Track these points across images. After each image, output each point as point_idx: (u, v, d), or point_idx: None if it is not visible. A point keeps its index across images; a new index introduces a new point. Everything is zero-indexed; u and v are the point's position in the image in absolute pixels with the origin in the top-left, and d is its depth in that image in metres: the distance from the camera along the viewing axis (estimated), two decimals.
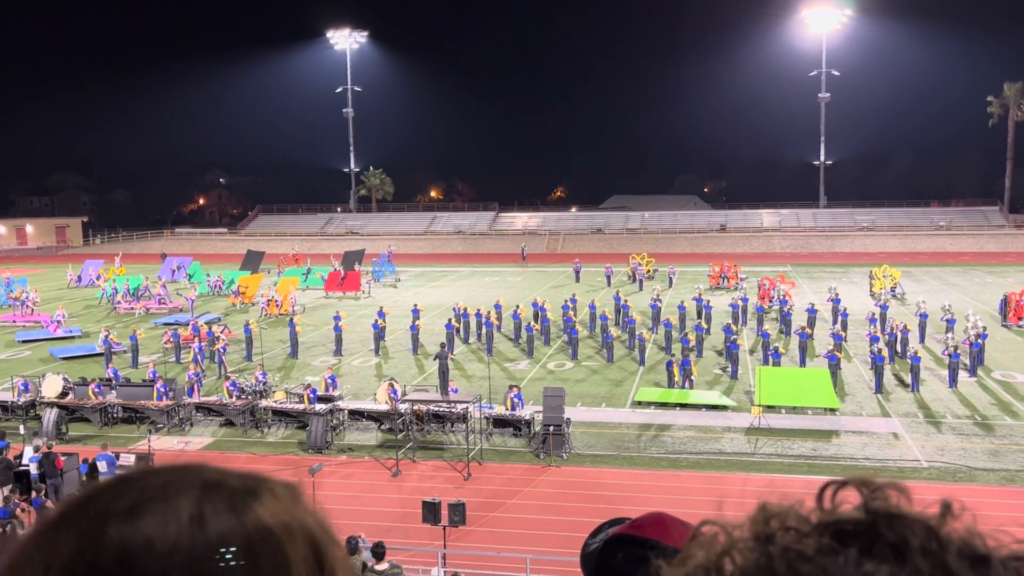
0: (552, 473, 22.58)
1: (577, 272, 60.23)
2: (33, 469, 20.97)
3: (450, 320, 38.18)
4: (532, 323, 38.15)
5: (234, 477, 0.89)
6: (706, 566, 0.81)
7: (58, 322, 42.35)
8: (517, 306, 40.58)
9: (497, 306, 40.67)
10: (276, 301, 47.28)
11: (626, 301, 41.74)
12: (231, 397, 27.10)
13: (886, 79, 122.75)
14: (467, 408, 24.19)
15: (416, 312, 39.64)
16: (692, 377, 29.70)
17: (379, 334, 37.20)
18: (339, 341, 36.86)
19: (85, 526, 0.83)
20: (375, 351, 36.78)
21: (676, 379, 29.55)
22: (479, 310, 39.41)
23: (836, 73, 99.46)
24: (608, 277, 57.80)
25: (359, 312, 46.49)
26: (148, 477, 0.87)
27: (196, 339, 34.83)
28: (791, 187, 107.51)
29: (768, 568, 0.76)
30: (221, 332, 35.80)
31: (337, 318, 37.60)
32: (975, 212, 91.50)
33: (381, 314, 38.33)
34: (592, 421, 26.68)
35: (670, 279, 56.36)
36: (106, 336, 35.34)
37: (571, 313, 38.54)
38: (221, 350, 33.55)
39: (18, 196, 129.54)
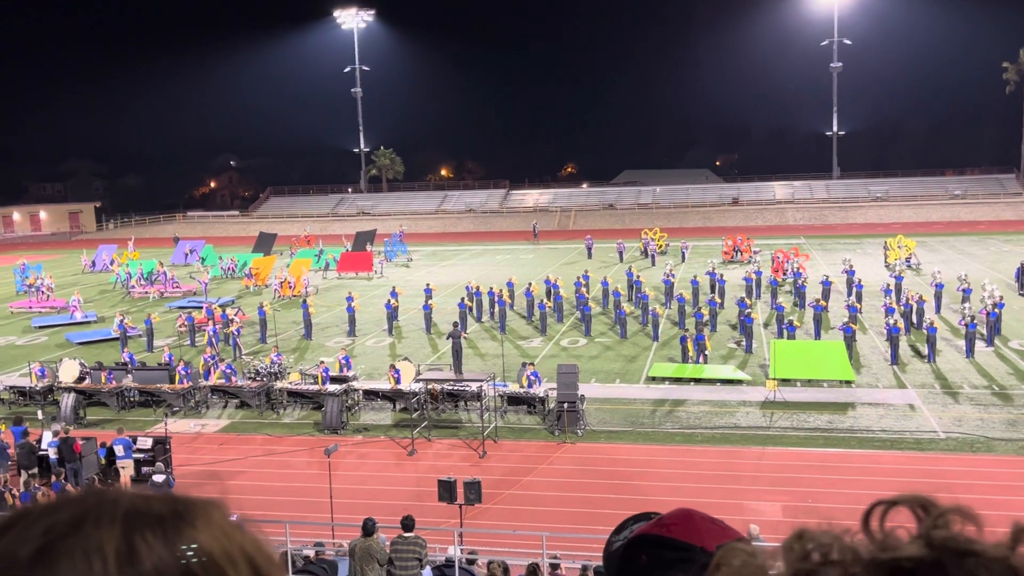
0: (567, 450, 22.60)
1: (589, 248, 60.10)
2: (52, 454, 21.15)
3: (462, 299, 38.18)
4: (544, 300, 38.09)
5: (157, 502, 0.78)
6: None
7: (74, 307, 42.62)
8: (529, 284, 40.53)
9: (509, 284, 40.62)
10: (289, 283, 47.38)
11: (639, 277, 41.63)
12: (228, 380, 27.03)
13: (899, 47, 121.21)
14: (481, 386, 24.20)
15: (428, 291, 39.63)
16: (706, 352, 29.61)
17: (392, 314, 37.23)
18: (352, 322, 36.93)
19: None
20: (388, 331, 36.83)
21: (690, 354, 29.49)
22: (491, 288, 39.40)
23: (848, 42, 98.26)
24: (620, 253, 57.66)
25: (372, 292, 46.54)
26: (53, 512, 0.75)
27: (210, 322, 34.97)
28: (804, 159, 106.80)
29: None
30: (235, 315, 35.93)
31: (350, 299, 37.64)
32: (991, 180, 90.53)
33: (394, 294, 38.35)
34: (606, 397, 26.67)
35: (683, 254, 56.16)
36: (121, 321, 35.50)
37: (584, 290, 38.48)
38: (235, 332, 33.68)
39: (31, 183, 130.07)
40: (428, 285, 41.00)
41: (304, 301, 38.78)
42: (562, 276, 44.17)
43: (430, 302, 37.75)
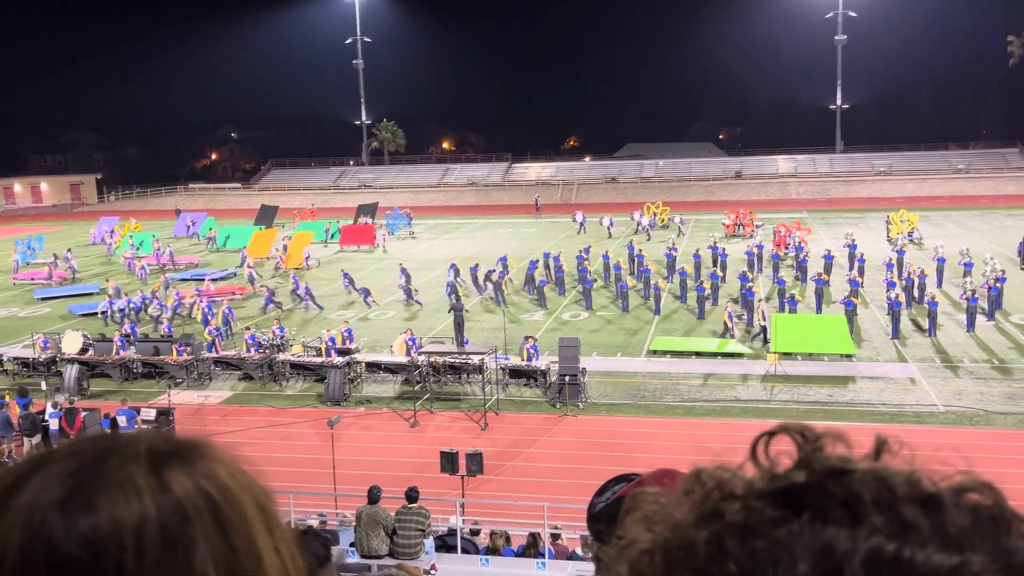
0: (568, 422, 22.73)
1: (581, 224, 58.91)
2: (53, 425, 21.32)
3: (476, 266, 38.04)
4: (544, 276, 38.08)
5: (168, 440, 0.84)
6: (651, 551, 0.74)
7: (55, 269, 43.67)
8: (536, 261, 40.25)
9: (503, 259, 40.31)
10: (282, 269, 47.16)
11: (640, 251, 41.56)
12: (249, 351, 27.34)
13: (904, 20, 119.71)
14: (483, 359, 24.30)
15: (454, 267, 39.24)
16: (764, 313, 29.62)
17: (406, 291, 37.00)
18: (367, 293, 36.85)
19: (25, 518, 0.74)
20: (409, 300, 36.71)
21: (729, 326, 29.49)
22: (491, 269, 38.90)
23: (853, 14, 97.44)
24: (608, 229, 56.15)
25: (373, 266, 46.55)
26: (76, 453, 0.80)
27: (202, 297, 35.12)
28: (807, 132, 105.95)
29: (720, 551, 0.69)
30: (200, 291, 36.11)
31: (347, 275, 37.82)
32: (994, 154, 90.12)
33: (405, 271, 37.94)
34: (608, 370, 26.76)
35: (679, 228, 55.76)
36: (111, 299, 35.73)
37: (586, 263, 38.47)
38: (227, 311, 33.41)
39: (32, 154, 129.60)
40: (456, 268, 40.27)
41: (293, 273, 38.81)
42: (563, 250, 44.09)
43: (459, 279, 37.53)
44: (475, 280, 39.09)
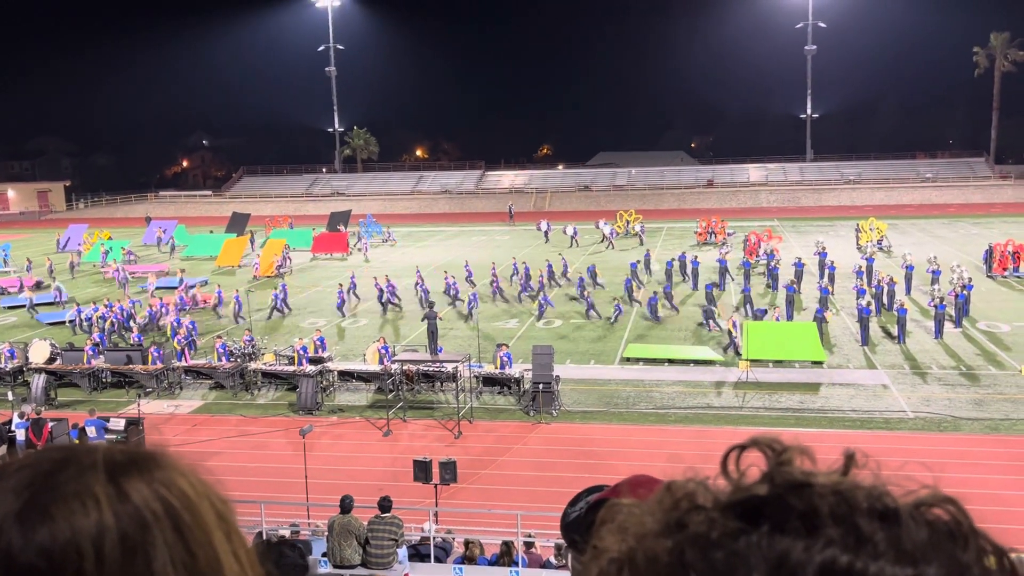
0: (542, 430, 22.72)
1: (546, 233, 58.76)
2: (20, 435, 20.98)
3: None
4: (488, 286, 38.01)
5: (124, 450, 0.84)
6: (619, 560, 0.76)
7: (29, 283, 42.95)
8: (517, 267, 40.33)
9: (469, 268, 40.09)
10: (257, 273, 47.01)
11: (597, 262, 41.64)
12: (220, 360, 27.07)
13: (873, 30, 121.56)
14: (456, 367, 24.25)
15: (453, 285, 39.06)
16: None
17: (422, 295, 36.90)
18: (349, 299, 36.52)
19: None
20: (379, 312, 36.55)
21: (734, 334, 29.04)
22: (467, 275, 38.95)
23: (822, 25, 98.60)
24: (572, 238, 55.72)
25: (346, 274, 46.24)
26: (31, 465, 0.80)
27: (171, 306, 34.78)
28: (778, 141, 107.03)
29: (680, 562, 0.71)
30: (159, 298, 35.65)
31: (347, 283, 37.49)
32: (961, 164, 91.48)
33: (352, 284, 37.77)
34: (581, 378, 26.79)
35: (640, 236, 55.83)
36: (79, 307, 35.27)
37: (564, 274, 38.60)
38: (190, 324, 33.08)
39: None
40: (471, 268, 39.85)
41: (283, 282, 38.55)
42: (536, 258, 44.10)
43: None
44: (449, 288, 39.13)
